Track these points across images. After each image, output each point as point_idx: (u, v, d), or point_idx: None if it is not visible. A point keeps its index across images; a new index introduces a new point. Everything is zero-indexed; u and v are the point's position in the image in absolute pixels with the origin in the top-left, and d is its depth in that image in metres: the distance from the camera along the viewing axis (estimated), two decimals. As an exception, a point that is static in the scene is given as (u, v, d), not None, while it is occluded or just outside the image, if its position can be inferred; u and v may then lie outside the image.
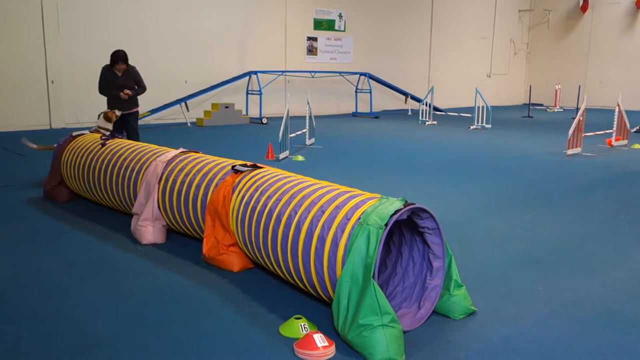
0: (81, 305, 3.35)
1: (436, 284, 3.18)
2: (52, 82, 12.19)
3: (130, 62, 7.42)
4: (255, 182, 3.82)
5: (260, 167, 4.10)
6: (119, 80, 7.38)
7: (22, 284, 3.66)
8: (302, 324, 2.98)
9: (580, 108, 9.85)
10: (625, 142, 10.79)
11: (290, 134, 9.38)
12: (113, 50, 7.32)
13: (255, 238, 3.58)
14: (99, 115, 6.52)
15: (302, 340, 2.82)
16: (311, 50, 17.06)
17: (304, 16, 16.71)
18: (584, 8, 21.95)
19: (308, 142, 10.29)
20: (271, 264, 3.52)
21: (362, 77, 17.28)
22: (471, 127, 13.79)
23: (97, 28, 12.62)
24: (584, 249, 4.54)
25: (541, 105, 22.64)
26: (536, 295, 3.57)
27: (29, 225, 5.03)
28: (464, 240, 4.67)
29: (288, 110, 9.11)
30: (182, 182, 4.37)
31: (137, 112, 7.68)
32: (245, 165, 4.12)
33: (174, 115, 13.95)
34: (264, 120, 14.24)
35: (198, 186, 4.23)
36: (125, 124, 7.46)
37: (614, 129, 10.63)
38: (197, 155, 4.72)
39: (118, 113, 6.72)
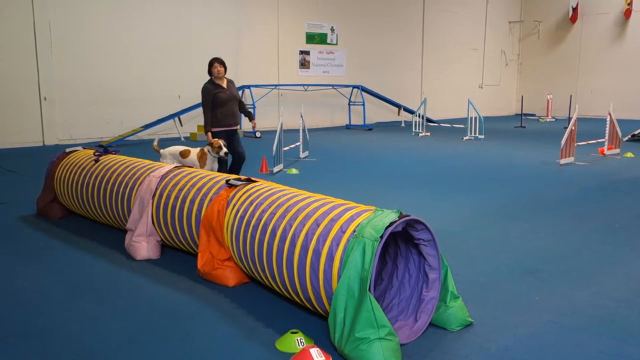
0: (75, 322, 3.31)
1: (432, 295, 3.17)
2: (45, 98, 12.17)
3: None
4: (249, 196, 3.82)
5: (255, 181, 4.10)
6: (227, 92, 6.75)
7: (16, 302, 3.63)
8: (299, 339, 2.96)
9: (572, 117, 9.91)
10: (617, 150, 10.84)
11: (284, 147, 9.38)
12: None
13: (250, 252, 3.57)
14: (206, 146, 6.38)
15: (298, 354, 2.80)
16: (304, 64, 17.13)
17: (296, 30, 16.79)
18: (573, 18, 22.17)
19: (302, 155, 10.30)
20: (266, 278, 3.50)
21: (355, 90, 17.36)
22: (464, 138, 13.85)
23: (89, 45, 12.62)
24: (579, 257, 4.55)
25: (533, 115, 22.77)
26: (533, 305, 3.56)
27: (23, 242, 4.99)
28: (460, 251, 4.67)
29: (282, 124, 9.12)
30: (176, 197, 4.35)
31: None
32: (239, 180, 4.12)
33: (167, 130, 13.94)
34: (258, 134, 14.25)
35: (192, 201, 4.22)
36: (232, 140, 6.91)
37: (606, 137, 10.69)
38: (191, 170, 4.71)
39: (222, 153, 6.33)
